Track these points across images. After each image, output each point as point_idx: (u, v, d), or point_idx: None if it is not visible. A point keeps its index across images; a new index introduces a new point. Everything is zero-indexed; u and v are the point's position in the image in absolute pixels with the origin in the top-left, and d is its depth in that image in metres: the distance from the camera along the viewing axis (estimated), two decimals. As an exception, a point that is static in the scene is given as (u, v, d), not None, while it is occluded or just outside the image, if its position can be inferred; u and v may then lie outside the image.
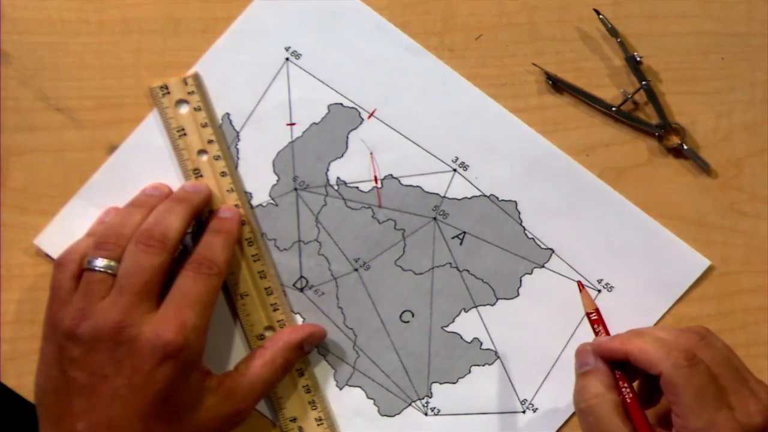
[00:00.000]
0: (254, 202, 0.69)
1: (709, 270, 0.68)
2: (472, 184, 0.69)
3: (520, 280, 0.69)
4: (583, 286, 0.65)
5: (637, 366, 0.59)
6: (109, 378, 0.60)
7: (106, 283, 0.62)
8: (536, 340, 0.68)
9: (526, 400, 0.68)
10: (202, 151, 0.68)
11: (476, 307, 0.69)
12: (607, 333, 0.63)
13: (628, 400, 0.60)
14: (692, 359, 0.58)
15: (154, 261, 0.62)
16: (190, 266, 0.64)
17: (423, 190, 0.69)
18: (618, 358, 0.60)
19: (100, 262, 0.62)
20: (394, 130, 0.69)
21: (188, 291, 0.62)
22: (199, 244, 0.65)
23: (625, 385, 0.60)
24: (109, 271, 0.62)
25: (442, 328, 0.69)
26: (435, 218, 0.69)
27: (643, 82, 0.68)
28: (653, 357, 0.58)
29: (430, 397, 0.69)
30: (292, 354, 0.66)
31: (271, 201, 0.69)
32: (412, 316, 0.69)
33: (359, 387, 0.69)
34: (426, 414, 0.69)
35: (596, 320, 0.63)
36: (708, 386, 0.57)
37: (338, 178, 0.69)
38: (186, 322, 0.61)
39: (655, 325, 0.68)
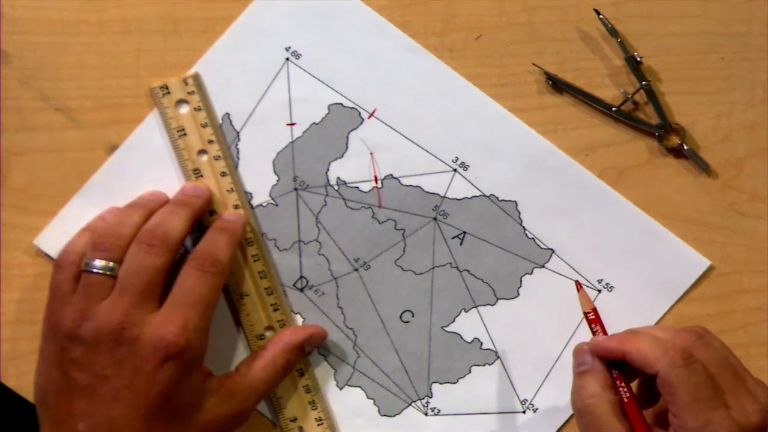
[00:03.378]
0: (254, 202, 0.69)
1: (709, 270, 0.68)
2: (472, 184, 0.69)
3: (520, 280, 0.69)
4: (581, 285, 0.65)
5: (633, 365, 0.59)
6: (110, 379, 0.60)
7: (104, 285, 0.62)
8: (536, 340, 0.68)
9: (526, 400, 0.68)
10: (202, 151, 0.68)
11: (476, 307, 0.69)
12: (605, 332, 0.63)
13: (625, 400, 0.60)
14: (688, 358, 0.58)
15: (157, 261, 0.62)
16: (193, 263, 0.63)
17: (423, 190, 0.69)
18: (615, 358, 0.60)
19: (98, 263, 0.62)
20: (394, 130, 0.69)
21: (190, 291, 0.62)
22: (202, 240, 0.65)
23: (622, 384, 0.60)
24: (108, 273, 0.62)
25: (442, 328, 0.69)
26: (435, 218, 0.69)
27: (643, 82, 0.68)
28: (649, 356, 0.58)
29: (430, 397, 0.69)
30: (292, 355, 0.66)
31: (271, 201, 0.69)
32: (412, 316, 0.69)
33: (359, 387, 0.69)
34: (426, 414, 0.69)
35: (593, 320, 0.63)
36: (704, 385, 0.57)
37: (338, 178, 0.69)
38: (188, 323, 0.61)
39: (655, 325, 0.68)
